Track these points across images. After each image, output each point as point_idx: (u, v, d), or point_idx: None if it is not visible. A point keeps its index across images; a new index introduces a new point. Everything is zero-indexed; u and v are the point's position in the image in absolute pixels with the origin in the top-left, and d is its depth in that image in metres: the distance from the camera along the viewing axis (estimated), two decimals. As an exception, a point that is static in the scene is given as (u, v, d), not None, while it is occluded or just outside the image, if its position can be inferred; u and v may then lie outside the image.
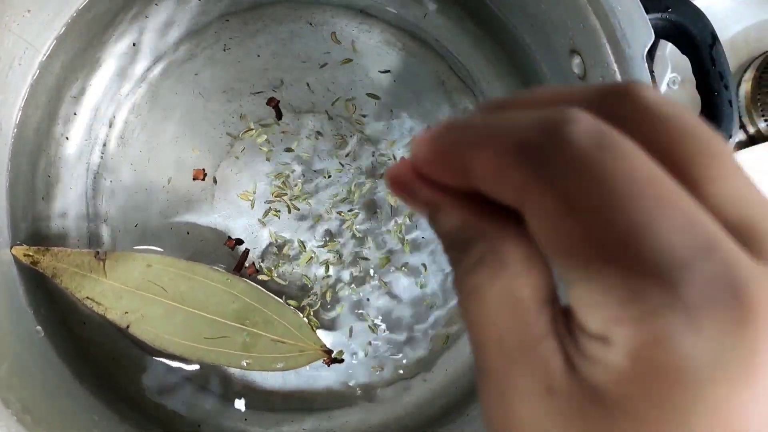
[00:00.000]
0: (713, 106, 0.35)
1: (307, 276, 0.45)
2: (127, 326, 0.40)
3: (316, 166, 0.46)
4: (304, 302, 0.44)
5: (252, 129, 0.45)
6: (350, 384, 0.45)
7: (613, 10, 0.33)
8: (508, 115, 0.14)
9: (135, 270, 0.40)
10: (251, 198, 0.45)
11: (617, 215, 0.12)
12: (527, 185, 0.13)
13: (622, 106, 0.13)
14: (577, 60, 0.37)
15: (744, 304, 0.11)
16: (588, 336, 0.13)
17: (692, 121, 0.13)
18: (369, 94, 0.46)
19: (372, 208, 0.46)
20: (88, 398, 0.38)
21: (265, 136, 0.45)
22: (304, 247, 0.45)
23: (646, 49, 0.33)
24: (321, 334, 0.45)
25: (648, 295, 0.12)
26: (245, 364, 0.41)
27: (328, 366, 0.43)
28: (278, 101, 0.45)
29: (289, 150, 0.45)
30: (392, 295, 0.46)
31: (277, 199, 0.45)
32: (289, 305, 0.42)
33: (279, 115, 0.45)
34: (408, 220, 0.46)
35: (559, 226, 0.12)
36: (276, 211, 0.45)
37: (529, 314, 0.13)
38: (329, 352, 0.42)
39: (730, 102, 0.34)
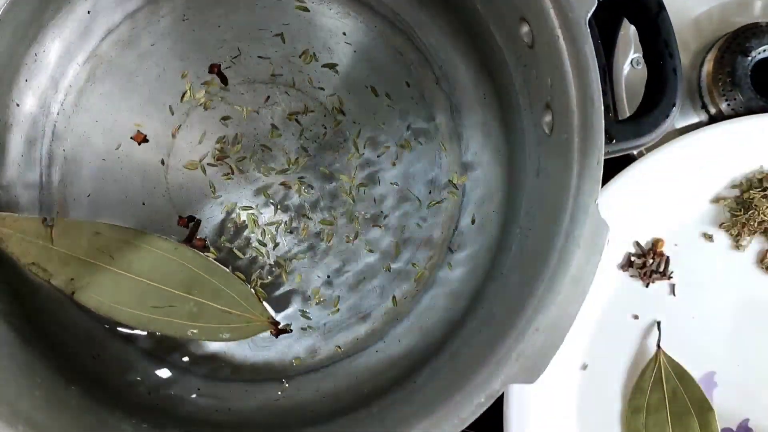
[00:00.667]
0: (658, 74, 0.35)
1: (257, 248, 0.45)
2: (72, 293, 0.39)
3: (267, 134, 0.46)
4: (254, 274, 0.44)
5: (188, 90, 0.45)
6: (301, 355, 0.45)
7: (557, -25, 0.33)
8: None
9: (83, 237, 0.40)
10: (198, 167, 0.45)
11: None
12: None
13: None
14: (525, 28, 0.37)
15: None
16: None
17: None
18: (327, 65, 0.46)
19: (324, 177, 0.46)
20: (33, 362, 0.38)
21: (203, 91, 0.45)
22: (255, 217, 0.45)
23: (589, 14, 0.33)
24: (272, 304, 0.45)
25: None
26: (191, 333, 0.41)
27: (276, 337, 0.43)
28: (219, 66, 0.45)
29: (225, 118, 0.45)
30: (345, 267, 0.46)
31: (219, 162, 0.45)
32: (237, 276, 0.42)
33: (224, 81, 0.45)
34: (360, 190, 0.46)
35: None
36: (225, 174, 0.45)
37: None
38: (276, 323, 0.42)
39: (674, 70, 0.35)
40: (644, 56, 0.36)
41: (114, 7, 0.45)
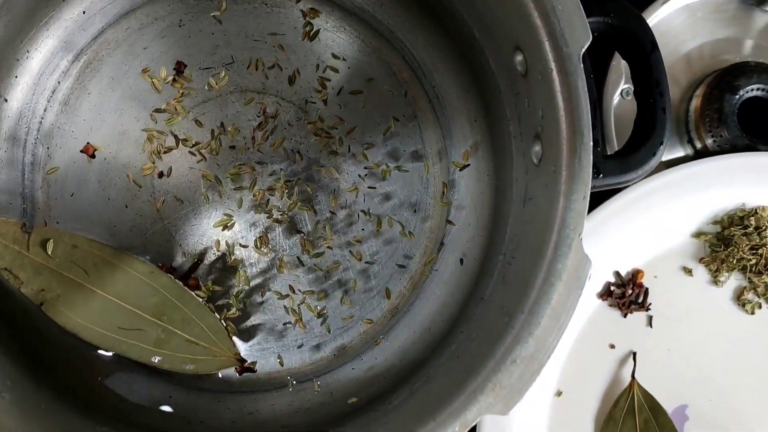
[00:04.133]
0: (648, 112, 0.36)
1: (236, 260, 0.45)
2: (41, 304, 0.39)
3: (254, 144, 0.45)
4: (227, 298, 0.44)
5: (177, 93, 0.44)
6: (281, 371, 0.45)
7: (553, 9, 0.33)
8: None
9: (59, 248, 0.39)
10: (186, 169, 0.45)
11: None
12: None
13: None
14: (520, 57, 0.37)
15: None
16: None
17: None
18: (319, 78, 0.46)
19: (308, 198, 0.46)
20: (3, 364, 0.37)
21: (194, 95, 0.45)
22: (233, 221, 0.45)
23: (584, 49, 0.33)
24: (248, 320, 0.45)
25: None
26: (156, 360, 0.40)
27: (239, 375, 0.43)
28: (185, 65, 0.45)
29: (213, 124, 0.45)
30: (324, 284, 0.46)
31: (205, 174, 0.44)
32: (209, 308, 0.42)
33: (183, 77, 0.45)
34: (343, 209, 0.46)
35: None
36: (208, 179, 0.45)
37: None
38: (242, 360, 0.42)
39: (663, 109, 0.35)
40: (635, 93, 0.36)
41: (109, 8, 0.45)
